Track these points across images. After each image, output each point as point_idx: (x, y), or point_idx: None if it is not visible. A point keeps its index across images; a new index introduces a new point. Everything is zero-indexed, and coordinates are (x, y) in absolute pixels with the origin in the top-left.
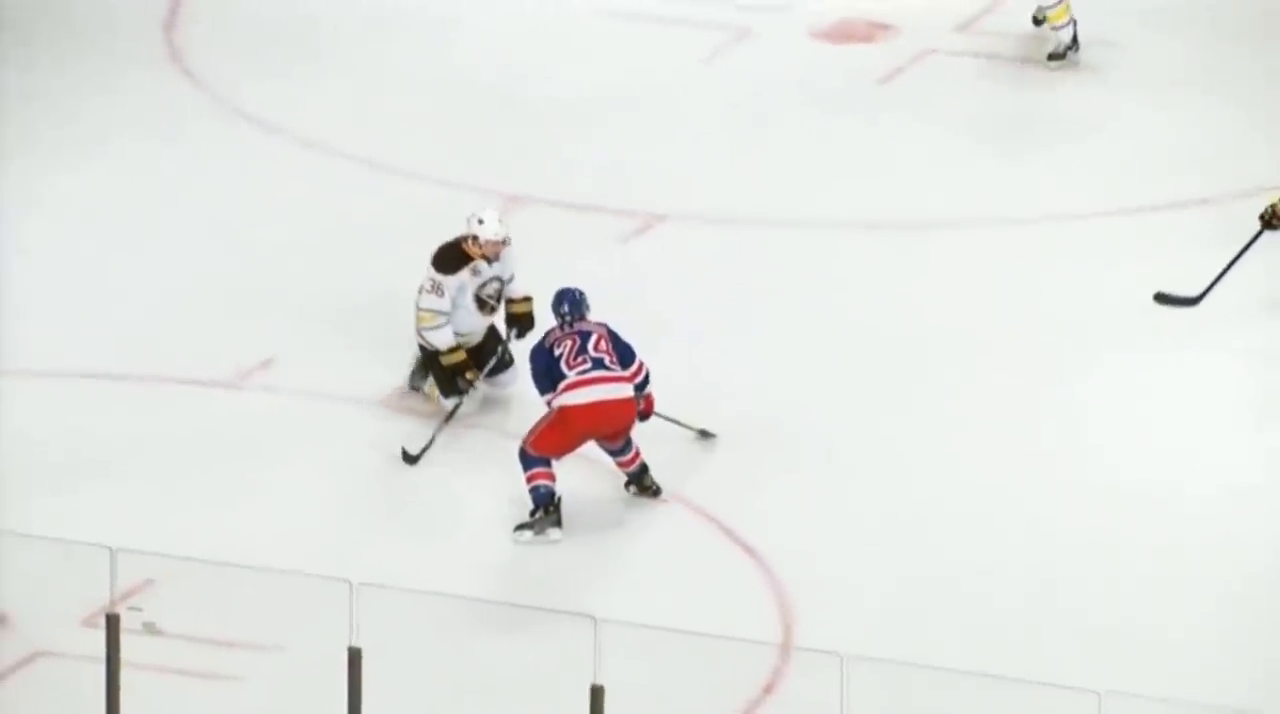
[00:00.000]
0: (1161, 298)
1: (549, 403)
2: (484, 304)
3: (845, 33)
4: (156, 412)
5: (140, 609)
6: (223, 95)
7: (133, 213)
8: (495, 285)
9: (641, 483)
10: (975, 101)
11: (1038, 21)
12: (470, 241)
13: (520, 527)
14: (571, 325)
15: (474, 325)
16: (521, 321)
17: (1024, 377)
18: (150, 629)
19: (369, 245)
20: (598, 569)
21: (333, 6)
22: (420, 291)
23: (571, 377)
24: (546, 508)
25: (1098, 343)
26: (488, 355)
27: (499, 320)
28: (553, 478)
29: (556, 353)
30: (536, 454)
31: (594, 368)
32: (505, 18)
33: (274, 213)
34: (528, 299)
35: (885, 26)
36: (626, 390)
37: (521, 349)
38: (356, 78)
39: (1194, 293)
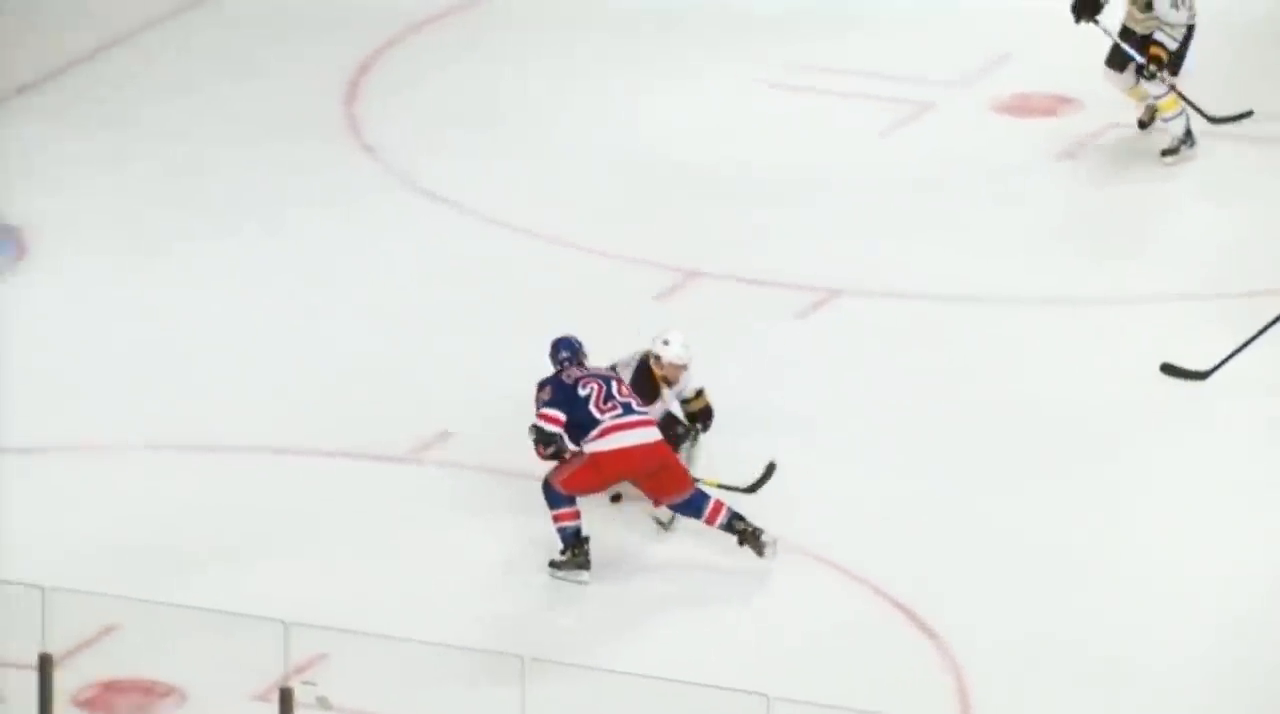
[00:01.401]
0: (1169, 370)
1: (579, 447)
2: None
3: (1027, 106)
4: (331, 485)
5: (314, 684)
6: (401, 170)
7: (308, 286)
8: (673, 406)
9: (734, 528)
10: (1162, 172)
11: (1144, 125)
12: (654, 360)
13: (551, 563)
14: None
15: None
16: (703, 416)
17: (1204, 457)
18: (323, 704)
19: (547, 320)
20: (765, 645)
21: (512, 82)
22: None
23: (606, 421)
24: (574, 549)
25: None
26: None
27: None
28: (578, 516)
29: (582, 393)
30: (566, 493)
31: (625, 413)
32: (684, 93)
33: (451, 287)
34: (700, 393)
35: (1067, 100)
36: (656, 433)
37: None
38: (534, 153)
39: (1204, 367)
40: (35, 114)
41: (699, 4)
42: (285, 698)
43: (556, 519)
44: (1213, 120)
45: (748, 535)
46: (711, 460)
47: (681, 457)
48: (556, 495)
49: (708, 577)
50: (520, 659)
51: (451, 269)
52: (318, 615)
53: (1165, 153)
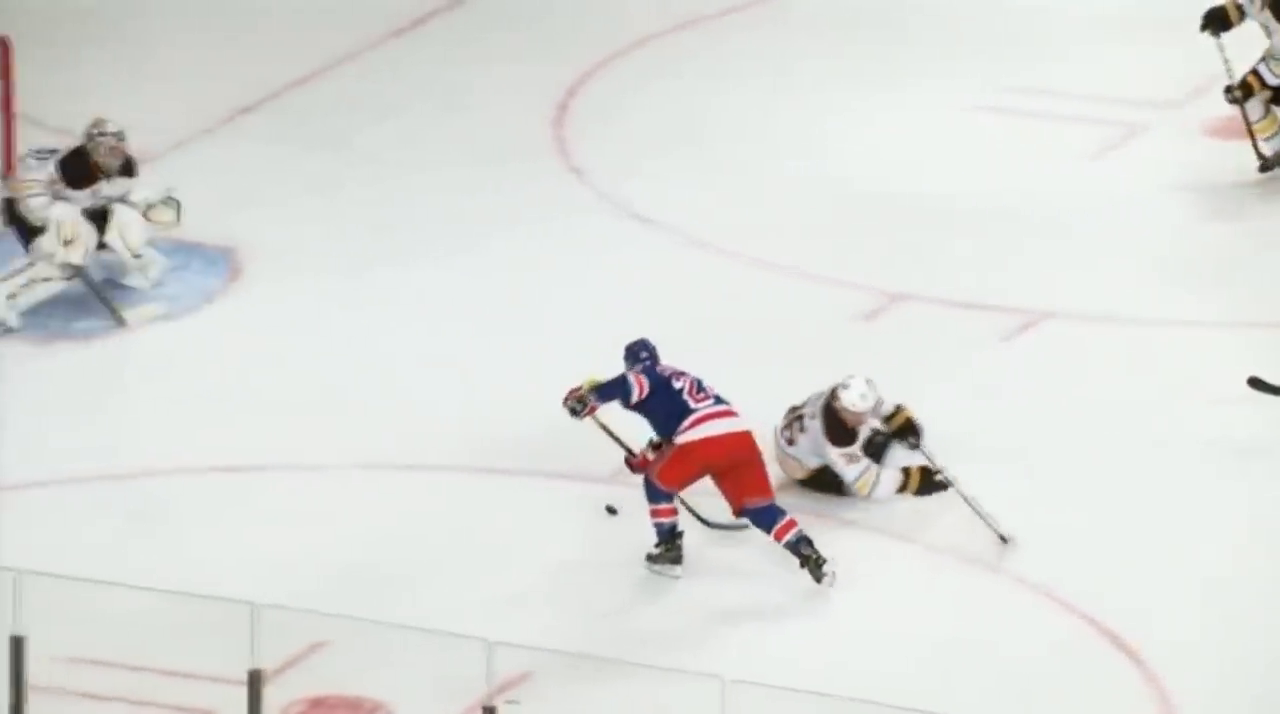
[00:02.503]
0: (1257, 384)
1: (671, 438)
2: None
3: (1239, 129)
4: (540, 507)
5: (518, 703)
6: (608, 192)
7: (515, 309)
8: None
9: (799, 551)
10: None
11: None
12: (836, 401)
13: (648, 556)
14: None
15: None
16: (909, 432)
17: None
18: None
19: (751, 343)
20: (970, 666)
21: (719, 105)
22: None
23: (699, 410)
24: (669, 544)
25: None
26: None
27: None
28: (675, 513)
29: (676, 386)
30: (665, 489)
31: (716, 403)
32: (892, 114)
33: (656, 310)
34: (899, 408)
35: None
36: (746, 424)
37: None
38: (740, 175)
39: None
40: (252, 137)
41: (909, 27)
42: None
43: (654, 514)
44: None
45: (810, 562)
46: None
47: (882, 477)
48: (656, 491)
49: (914, 597)
50: (720, 679)
51: (657, 292)
52: (523, 635)
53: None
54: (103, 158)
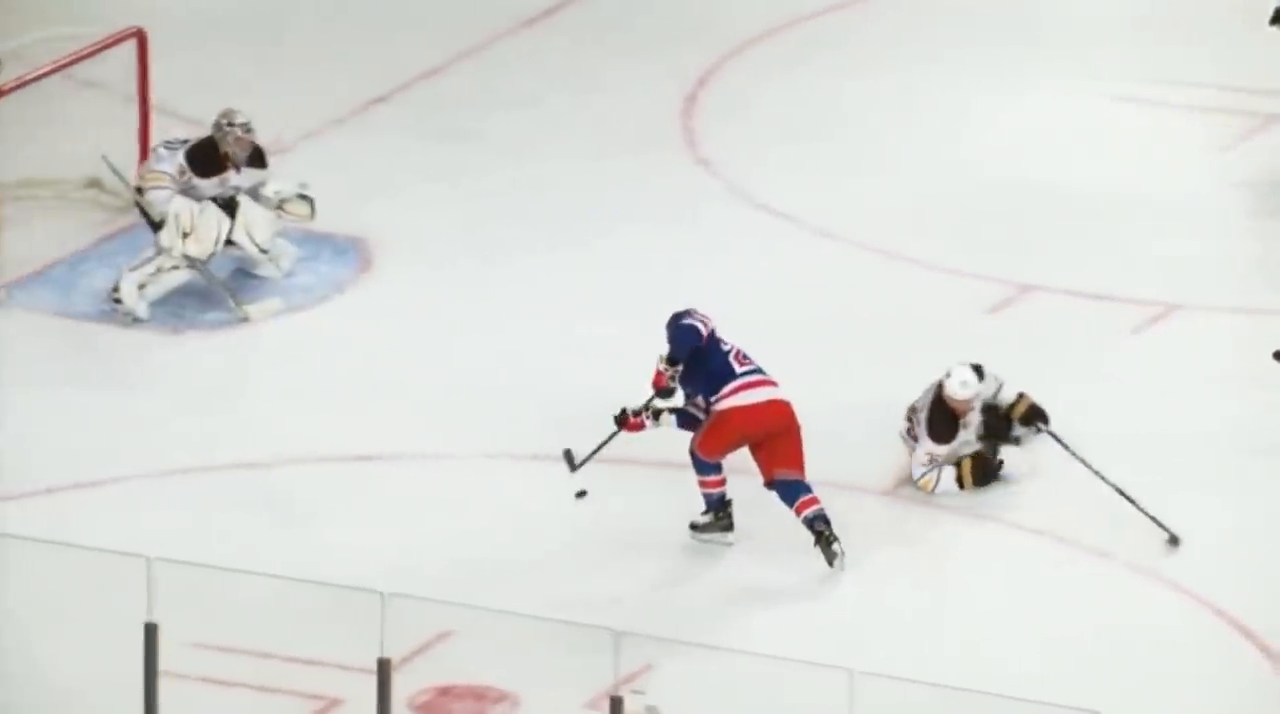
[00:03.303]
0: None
1: (711, 402)
2: None
3: None
4: (668, 497)
5: (643, 693)
6: (736, 183)
7: (642, 298)
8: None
9: (814, 528)
10: None
11: None
12: (943, 391)
13: (693, 526)
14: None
15: None
16: (1036, 416)
17: None
18: (653, 713)
19: (878, 335)
20: (1106, 663)
21: (848, 95)
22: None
23: (741, 377)
24: (718, 512)
25: None
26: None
27: None
28: (723, 484)
29: (725, 348)
30: (707, 459)
31: (757, 372)
32: (1022, 104)
33: (784, 301)
34: (1021, 396)
35: None
36: (784, 394)
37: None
38: (867, 167)
39: None
40: (382, 128)
41: (1043, 16)
42: (615, 706)
43: (702, 485)
44: None
45: (823, 540)
46: (1047, 479)
47: (943, 475)
48: (704, 464)
49: (1043, 591)
50: (849, 671)
51: (784, 283)
52: (649, 625)
53: None
54: (231, 148)
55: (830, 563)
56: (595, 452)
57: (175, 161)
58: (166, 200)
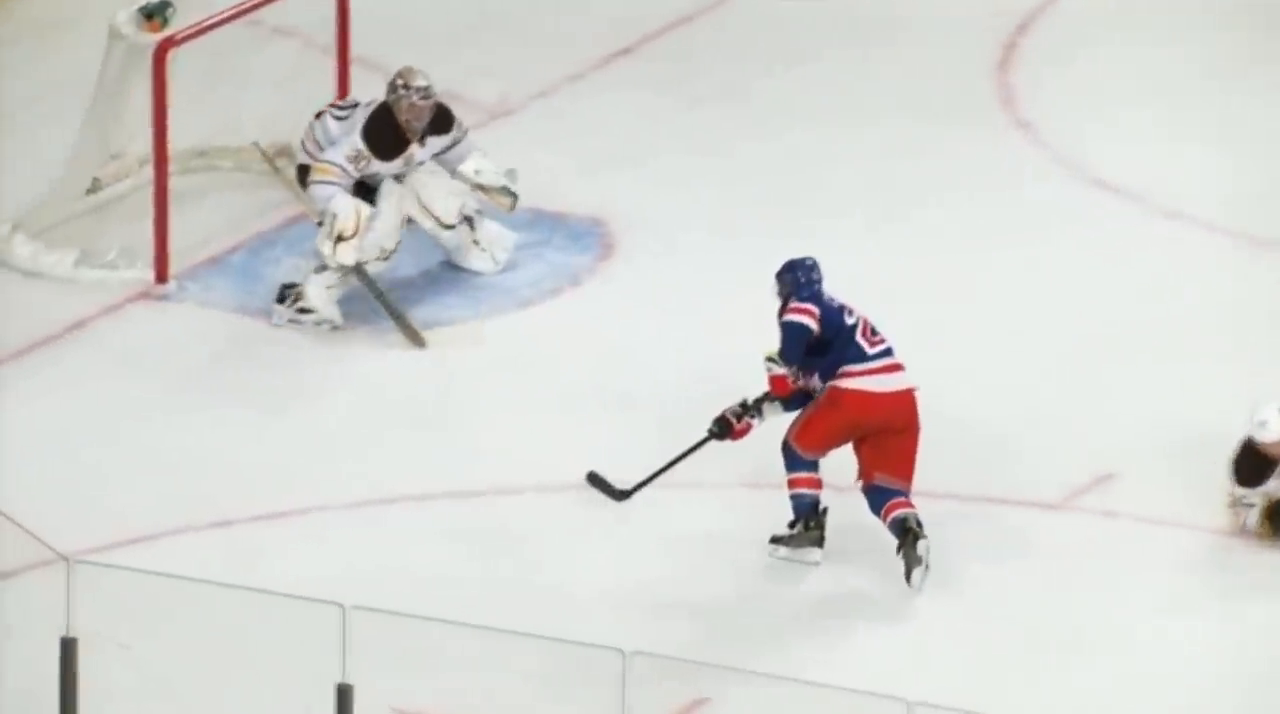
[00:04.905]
0: None
1: (815, 380)
2: None
3: None
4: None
5: None
6: (1065, 152)
7: (949, 291)
8: None
9: (904, 527)
10: None
11: None
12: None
13: (775, 540)
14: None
15: None
16: None
17: None
18: None
19: (1239, 334)
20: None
21: (1196, 46)
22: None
23: (870, 357)
24: (808, 521)
25: None
26: None
27: None
28: (819, 485)
29: (850, 321)
30: (805, 453)
31: (889, 354)
32: None
33: (1119, 292)
34: None
35: None
36: (911, 382)
37: None
38: (1221, 134)
39: None
40: (627, 85)
41: None
42: None
43: (792, 485)
44: None
45: (910, 539)
46: None
47: (1250, 516)
48: (795, 457)
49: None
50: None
51: (1121, 272)
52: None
53: None
54: (404, 116)
55: (910, 572)
56: (671, 465)
57: (350, 143)
58: (328, 198)
